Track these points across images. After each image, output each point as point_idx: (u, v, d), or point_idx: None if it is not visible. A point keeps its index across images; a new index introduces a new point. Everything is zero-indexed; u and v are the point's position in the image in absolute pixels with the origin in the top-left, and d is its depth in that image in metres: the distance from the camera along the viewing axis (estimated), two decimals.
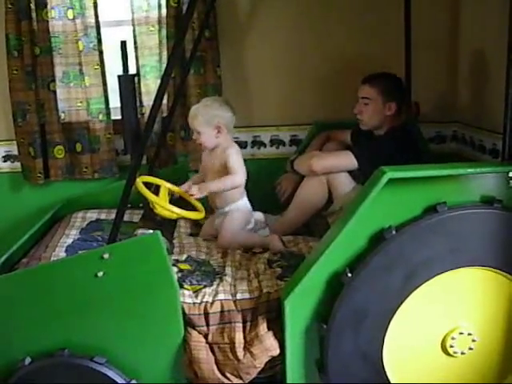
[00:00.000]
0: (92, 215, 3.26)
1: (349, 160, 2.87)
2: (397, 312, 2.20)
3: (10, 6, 3.36)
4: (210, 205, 3.04)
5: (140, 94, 3.52)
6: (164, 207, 2.67)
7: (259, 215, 3.04)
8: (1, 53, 3.47)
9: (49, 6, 3.41)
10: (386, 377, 2.27)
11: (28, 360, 2.27)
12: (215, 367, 2.28)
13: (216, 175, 2.91)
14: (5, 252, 2.69)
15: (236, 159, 2.85)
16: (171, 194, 2.90)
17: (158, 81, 3.44)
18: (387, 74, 2.97)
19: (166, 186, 2.88)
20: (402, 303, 2.19)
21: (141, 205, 3.21)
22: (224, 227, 2.91)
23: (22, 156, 3.61)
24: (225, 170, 2.86)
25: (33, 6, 3.39)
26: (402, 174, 2.06)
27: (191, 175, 3.42)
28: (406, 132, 2.98)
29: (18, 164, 3.67)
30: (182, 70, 3.37)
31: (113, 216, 2.98)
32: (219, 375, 2.28)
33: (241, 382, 2.29)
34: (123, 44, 3.27)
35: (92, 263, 2.20)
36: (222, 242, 2.88)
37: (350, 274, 2.13)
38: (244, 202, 2.99)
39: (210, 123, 2.86)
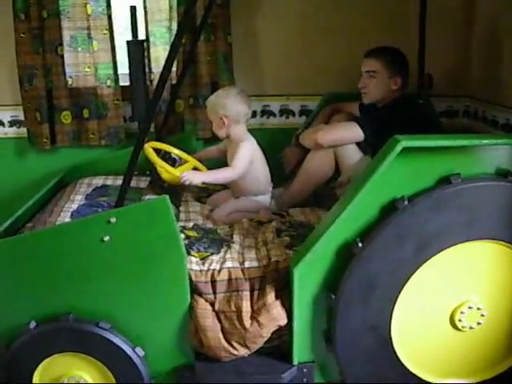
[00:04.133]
0: (98, 181, 3.23)
1: (355, 132, 2.83)
2: (407, 284, 2.19)
3: None
4: (230, 188, 3.02)
5: (149, 60, 3.47)
6: (170, 172, 2.65)
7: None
8: (8, 16, 3.40)
9: None
10: (394, 349, 2.27)
11: (33, 324, 2.27)
12: (221, 335, 2.26)
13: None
14: (10, 216, 2.66)
15: (241, 154, 2.79)
16: (179, 160, 2.88)
17: (168, 47, 3.40)
18: (391, 48, 2.92)
19: (174, 151, 2.86)
20: (412, 275, 2.18)
21: (148, 172, 3.18)
22: (228, 206, 2.90)
23: (28, 121, 3.56)
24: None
25: None
26: (416, 143, 2.03)
27: (199, 143, 3.40)
28: (411, 103, 2.93)
29: (24, 129, 3.62)
30: (192, 36, 3.31)
31: (119, 182, 2.98)
32: (225, 343, 2.26)
33: (247, 350, 2.28)
34: (133, 9, 3.21)
35: (98, 227, 2.17)
36: (215, 216, 2.86)
37: (360, 244, 2.11)
38: (265, 198, 2.96)
39: (217, 114, 2.83)
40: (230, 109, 2.80)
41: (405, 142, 1.99)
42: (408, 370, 2.30)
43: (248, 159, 2.80)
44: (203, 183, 2.80)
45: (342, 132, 2.89)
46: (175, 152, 2.92)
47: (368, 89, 2.93)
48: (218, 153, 3.10)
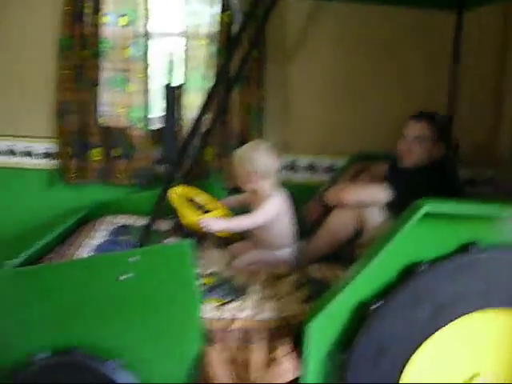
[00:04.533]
0: (120, 220, 3.27)
1: (381, 195, 2.82)
2: (419, 349, 2.16)
3: (66, 8, 3.44)
4: (253, 238, 3.01)
5: (180, 106, 3.53)
6: (193, 219, 2.66)
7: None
8: (52, 53, 3.54)
9: (103, 12, 3.46)
10: None
11: (42, 355, 2.26)
12: None
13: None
14: (32, 246, 2.69)
15: (266, 208, 2.77)
16: (203, 206, 2.90)
17: (200, 95, 3.48)
18: (438, 114, 2.92)
19: (200, 196, 2.89)
20: (425, 340, 2.15)
21: (170, 216, 3.20)
22: (249, 256, 2.91)
23: (60, 155, 3.66)
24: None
25: (87, 10, 3.44)
26: (440, 209, 2.02)
27: (223, 192, 3.43)
28: (441, 168, 2.93)
29: (55, 162, 3.73)
30: (226, 86, 3.37)
31: (140, 223, 3.01)
32: None
33: None
34: (171, 55, 3.29)
35: (117, 265, 2.19)
36: (235, 265, 2.87)
37: (376, 305, 2.09)
38: (287, 252, 2.94)
39: (245, 169, 2.80)
40: (259, 164, 2.78)
41: (428, 206, 1.99)
42: None
43: (271, 214, 2.77)
44: (222, 231, 2.76)
45: (368, 193, 2.88)
46: (202, 197, 2.94)
47: (412, 153, 2.89)
48: (243, 202, 3.07)
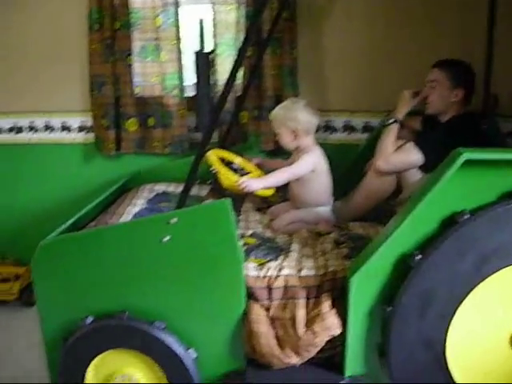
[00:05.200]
0: (160, 188, 3.29)
1: (415, 157, 2.78)
2: (464, 300, 2.13)
3: None
4: (290, 198, 3.01)
5: (215, 71, 3.52)
6: (231, 179, 2.67)
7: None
8: (83, 27, 3.56)
9: None
10: (448, 368, 2.21)
11: (90, 319, 2.31)
12: (274, 342, 2.26)
13: (294, 185, 2.90)
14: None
15: (302, 161, 2.79)
16: (240, 170, 2.91)
17: (233, 59, 3.45)
18: (458, 61, 2.88)
19: (236, 159, 2.89)
20: (470, 291, 2.12)
21: (209, 181, 3.21)
22: (289, 216, 2.89)
23: (95, 127, 3.70)
24: (304, 175, 2.83)
25: None
26: (479, 156, 1.99)
27: (261, 155, 3.42)
28: (471, 121, 2.88)
29: (91, 135, 3.77)
30: (258, 49, 3.35)
31: (180, 189, 3.01)
32: (278, 351, 2.25)
33: (299, 359, 2.26)
34: (201, 21, 3.27)
35: (159, 227, 2.20)
36: (275, 225, 2.86)
37: (418, 257, 2.08)
38: (326, 210, 2.93)
39: (287, 126, 2.82)
40: (301, 120, 2.80)
41: (467, 154, 1.96)
42: None
43: (308, 167, 2.79)
44: (263, 188, 2.76)
45: (402, 158, 2.84)
46: (238, 160, 2.94)
47: (429, 99, 2.89)
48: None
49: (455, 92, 2.84)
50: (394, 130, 2.86)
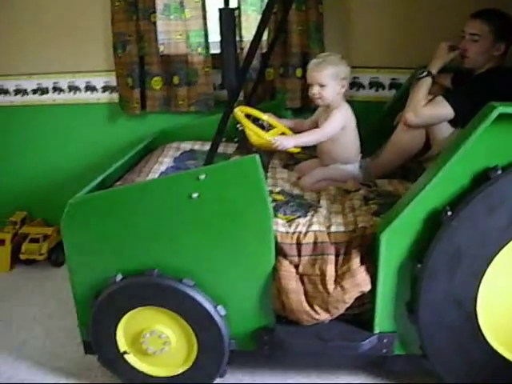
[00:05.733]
0: (186, 146, 3.27)
1: (446, 110, 2.72)
2: (496, 257, 2.11)
3: None
4: (318, 155, 2.99)
5: (240, 28, 3.48)
6: (260, 136, 2.65)
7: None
8: None
9: None
10: (478, 325, 2.20)
11: (119, 277, 2.34)
12: (304, 298, 2.26)
13: (326, 142, 2.85)
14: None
15: (334, 119, 2.75)
16: (267, 127, 2.88)
17: (259, 16, 3.41)
18: (501, 12, 2.75)
19: (264, 117, 2.87)
20: (502, 248, 2.10)
21: (235, 139, 3.19)
22: (317, 173, 2.87)
23: (120, 87, 3.67)
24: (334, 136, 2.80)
25: None
26: None
27: (287, 113, 3.39)
28: (506, 75, 2.81)
29: (115, 95, 3.75)
30: (284, 5, 3.29)
31: (206, 147, 2.99)
32: (307, 307, 2.26)
33: (328, 315, 2.27)
34: None
35: (187, 184, 2.20)
36: (303, 183, 2.84)
37: (449, 213, 2.05)
38: (353, 167, 2.91)
39: (337, 77, 2.76)
40: (347, 72, 2.80)
41: (501, 108, 1.92)
42: (492, 347, 2.23)
43: (339, 125, 2.76)
44: (294, 147, 2.72)
45: (432, 112, 2.79)
46: (264, 118, 2.92)
47: (469, 53, 2.79)
48: (311, 126, 3.00)
49: (497, 46, 2.75)
50: (426, 83, 2.79)
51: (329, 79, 2.75)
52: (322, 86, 2.77)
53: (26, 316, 3.20)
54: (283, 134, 2.86)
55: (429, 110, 2.75)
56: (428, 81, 2.79)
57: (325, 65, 2.75)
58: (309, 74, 2.81)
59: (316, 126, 2.90)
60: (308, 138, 2.73)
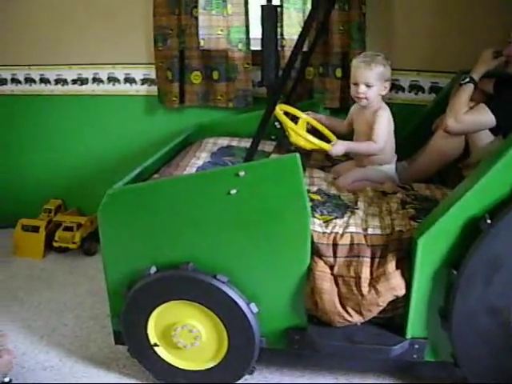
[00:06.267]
0: (223, 141, 3.27)
1: (487, 118, 2.69)
2: None
3: None
4: (353, 156, 2.98)
5: (282, 26, 3.47)
6: (301, 135, 2.65)
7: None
8: None
9: None
10: None
11: (153, 269, 2.35)
12: (337, 300, 2.25)
13: (363, 136, 2.85)
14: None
15: (384, 125, 2.76)
16: (306, 125, 2.88)
17: (300, 14, 3.43)
18: None
19: (303, 116, 2.86)
20: None
21: (273, 137, 3.19)
22: (354, 174, 2.86)
23: (159, 80, 3.70)
24: (371, 131, 2.79)
25: None
26: None
27: (325, 112, 3.38)
28: None
29: (154, 88, 3.77)
30: (327, 5, 3.28)
31: (244, 144, 3.01)
32: (340, 308, 2.25)
33: (361, 318, 2.26)
34: None
35: (226, 180, 2.20)
36: (340, 183, 2.82)
37: (489, 221, 2.03)
38: (390, 168, 2.89)
39: (383, 78, 2.76)
40: (390, 74, 2.80)
41: None
42: None
43: (388, 129, 2.78)
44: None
45: (473, 119, 2.76)
46: (304, 116, 2.91)
47: None
48: (347, 127, 3.02)
49: None
50: (468, 89, 2.75)
51: (376, 79, 2.74)
52: (368, 86, 2.75)
53: (58, 303, 3.23)
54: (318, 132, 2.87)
55: (470, 117, 2.72)
56: (470, 87, 2.75)
57: (374, 64, 2.73)
58: (356, 73, 2.78)
59: (350, 126, 2.94)
60: (361, 148, 2.81)
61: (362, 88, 2.76)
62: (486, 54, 2.77)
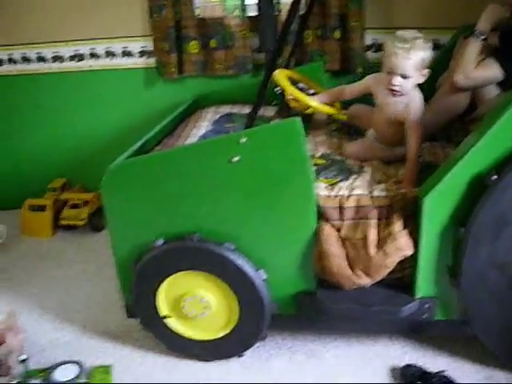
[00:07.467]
0: (224, 109, 3.26)
1: (496, 72, 2.65)
2: None
3: None
4: (374, 128, 2.76)
5: None
6: (301, 98, 2.62)
7: None
8: None
9: None
10: None
11: (160, 241, 2.34)
12: (345, 262, 2.24)
13: (385, 125, 2.60)
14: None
15: (417, 110, 2.49)
16: (307, 89, 2.85)
17: None
18: None
19: (303, 79, 2.84)
20: None
21: (274, 102, 3.16)
22: (364, 151, 2.69)
23: (156, 51, 3.67)
24: (397, 122, 2.52)
25: None
26: None
27: (326, 75, 3.34)
28: None
29: (152, 59, 3.74)
30: None
31: (245, 110, 2.98)
32: (349, 271, 2.24)
33: (370, 280, 2.25)
34: None
35: (228, 147, 2.18)
36: (350, 150, 2.68)
37: (495, 177, 2.00)
38: (403, 150, 2.60)
39: (423, 65, 2.41)
40: (426, 57, 2.43)
41: None
42: None
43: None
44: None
45: (482, 73, 2.71)
46: (304, 80, 2.88)
47: None
48: (357, 94, 2.78)
49: None
50: (477, 44, 2.67)
51: (415, 70, 2.41)
52: (405, 76, 2.43)
53: (69, 280, 3.25)
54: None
55: (480, 72, 2.67)
56: (479, 42, 2.68)
57: (414, 51, 2.37)
58: (391, 60, 2.41)
59: (360, 93, 2.74)
60: (416, 154, 2.45)
61: (398, 79, 2.43)
62: (492, 7, 2.70)
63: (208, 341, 2.48)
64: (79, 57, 3.85)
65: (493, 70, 2.63)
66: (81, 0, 3.71)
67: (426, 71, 2.46)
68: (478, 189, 2.07)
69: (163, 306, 2.46)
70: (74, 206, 3.77)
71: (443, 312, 2.33)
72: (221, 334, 2.46)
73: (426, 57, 2.42)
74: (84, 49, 3.83)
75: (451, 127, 2.87)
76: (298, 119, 2.14)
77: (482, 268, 2.15)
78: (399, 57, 2.38)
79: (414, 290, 2.28)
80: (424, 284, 2.27)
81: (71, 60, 3.87)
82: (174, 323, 2.49)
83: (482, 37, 2.65)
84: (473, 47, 2.66)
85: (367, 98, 2.74)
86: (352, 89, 2.79)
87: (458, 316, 2.30)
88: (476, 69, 2.66)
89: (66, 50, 3.85)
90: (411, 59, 2.38)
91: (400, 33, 2.48)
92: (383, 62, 2.49)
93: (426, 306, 2.30)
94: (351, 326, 2.53)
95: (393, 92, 2.47)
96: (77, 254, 3.55)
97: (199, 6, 3.55)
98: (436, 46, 3.31)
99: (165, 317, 2.46)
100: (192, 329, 2.49)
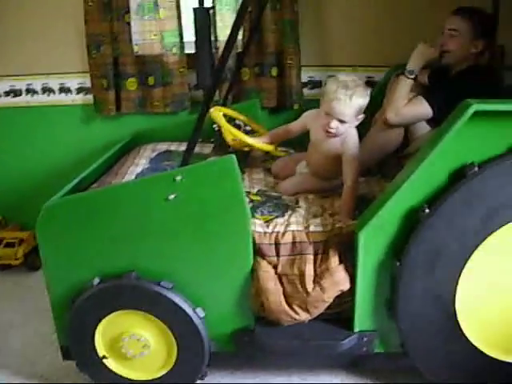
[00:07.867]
0: (161, 147, 3.25)
1: (425, 109, 2.72)
2: (473, 254, 2.12)
3: None
4: (308, 162, 2.82)
5: (215, 28, 3.45)
6: (237, 135, 2.64)
7: None
8: None
9: None
10: (458, 322, 2.21)
11: (96, 280, 2.30)
12: (283, 299, 2.25)
13: (321, 160, 2.65)
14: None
15: (354, 145, 2.54)
16: (244, 126, 2.87)
17: (234, 15, 3.39)
18: (481, 10, 2.77)
19: (239, 117, 2.86)
20: (479, 245, 2.11)
21: (212, 139, 3.18)
22: (298, 185, 2.74)
23: (94, 88, 3.63)
24: (333, 156, 2.57)
25: None
26: (489, 107, 1.95)
27: (263, 112, 3.38)
28: (487, 72, 2.82)
29: (90, 96, 3.71)
30: (259, 4, 3.28)
31: (182, 148, 2.97)
32: (286, 307, 2.25)
33: (308, 315, 2.26)
34: None
35: (164, 185, 2.17)
36: (284, 187, 2.73)
37: (427, 211, 2.06)
38: (338, 184, 2.65)
39: (360, 112, 2.50)
40: (363, 105, 2.50)
41: (477, 105, 1.92)
42: (472, 344, 2.24)
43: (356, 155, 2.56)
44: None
45: (412, 112, 2.78)
46: (242, 118, 2.91)
47: (447, 48, 2.78)
48: (301, 129, 2.80)
49: (476, 43, 2.76)
50: (407, 82, 2.74)
51: (352, 116, 2.49)
52: (342, 121, 2.49)
53: (3, 322, 3.15)
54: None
55: (409, 109, 2.75)
56: (409, 80, 2.76)
57: (355, 99, 2.44)
58: (332, 105, 2.46)
59: (300, 131, 2.79)
60: (352, 186, 2.50)
61: (335, 123, 2.49)
62: (422, 47, 2.79)
63: (148, 381, 2.44)
64: (15, 92, 3.79)
65: (422, 107, 2.71)
66: (17, 34, 3.67)
67: (361, 116, 2.53)
68: (411, 223, 2.11)
69: (101, 346, 2.41)
70: (10, 245, 3.67)
71: (383, 345, 2.35)
72: (160, 374, 2.42)
73: (364, 104, 2.49)
74: (20, 84, 3.77)
75: (385, 163, 2.93)
76: (233, 157, 2.16)
77: (419, 300, 2.18)
78: (341, 103, 2.44)
79: (353, 324, 2.30)
80: (362, 318, 2.29)
81: (7, 95, 3.80)
82: (112, 364, 2.44)
83: (412, 76, 2.73)
84: (403, 85, 2.74)
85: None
86: (294, 126, 2.84)
87: (398, 348, 2.32)
88: (406, 106, 2.74)
89: (1, 86, 3.78)
90: (352, 107, 2.45)
91: (342, 78, 2.53)
92: (322, 102, 2.54)
93: (365, 339, 2.32)
94: (291, 362, 2.54)
95: (328, 134, 2.53)
96: (12, 294, 3.45)
97: (137, 43, 3.54)
98: (371, 84, 3.42)
99: (103, 357, 2.41)
100: (131, 369, 2.44)
